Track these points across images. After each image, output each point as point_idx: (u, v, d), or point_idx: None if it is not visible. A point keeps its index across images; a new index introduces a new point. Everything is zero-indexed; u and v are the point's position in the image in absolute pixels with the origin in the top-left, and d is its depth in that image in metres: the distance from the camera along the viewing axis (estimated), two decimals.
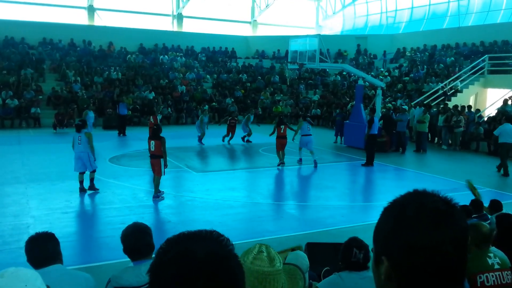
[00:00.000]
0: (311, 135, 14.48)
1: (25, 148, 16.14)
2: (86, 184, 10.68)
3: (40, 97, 24.01)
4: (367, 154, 14.75)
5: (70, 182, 11.44)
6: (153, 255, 1.15)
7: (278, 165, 14.20)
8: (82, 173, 10.63)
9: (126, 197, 10.43)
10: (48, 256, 3.10)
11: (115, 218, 8.93)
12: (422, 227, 1.05)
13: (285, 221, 9.12)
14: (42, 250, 3.12)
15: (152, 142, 10.03)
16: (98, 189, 10.74)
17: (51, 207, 9.15)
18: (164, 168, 10.09)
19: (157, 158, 10.05)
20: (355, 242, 3.50)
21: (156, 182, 10.16)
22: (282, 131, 14.27)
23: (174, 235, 1.09)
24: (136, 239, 3.32)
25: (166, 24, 36.81)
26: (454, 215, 1.07)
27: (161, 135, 10.07)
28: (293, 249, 4.67)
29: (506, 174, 13.70)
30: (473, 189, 7.24)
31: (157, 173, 10.10)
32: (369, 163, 14.66)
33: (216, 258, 1.02)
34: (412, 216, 1.07)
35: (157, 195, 10.17)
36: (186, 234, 1.08)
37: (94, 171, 10.71)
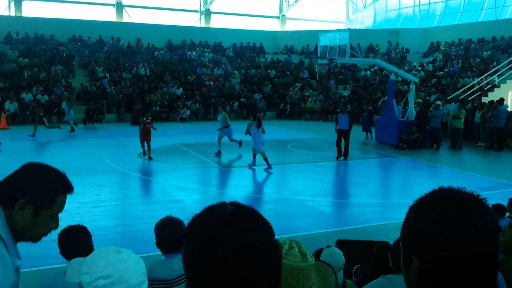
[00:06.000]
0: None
1: (56, 143, 16.36)
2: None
3: (66, 93, 24.16)
4: (337, 147, 14.71)
5: (100, 176, 11.50)
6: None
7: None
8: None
9: (154, 192, 10.41)
10: (80, 249, 3.04)
11: (144, 212, 8.92)
12: (450, 223, 1.03)
13: (314, 218, 8.92)
14: (75, 242, 3.12)
15: None
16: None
17: (81, 201, 9.16)
18: None
19: None
20: None
21: None
22: None
23: (218, 212, 1.03)
24: (170, 232, 3.29)
25: (194, 20, 36.91)
26: (482, 209, 1.06)
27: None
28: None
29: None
30: None
31: None
32: (338, 156, 14.49)
33: (272, 246, 1.03)
34: (439, 212, 1.06)
35: None
36: (235, 217, 1.02)
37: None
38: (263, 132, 12.83)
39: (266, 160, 12.69)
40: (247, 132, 13.00)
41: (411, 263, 1.09)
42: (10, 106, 21.77)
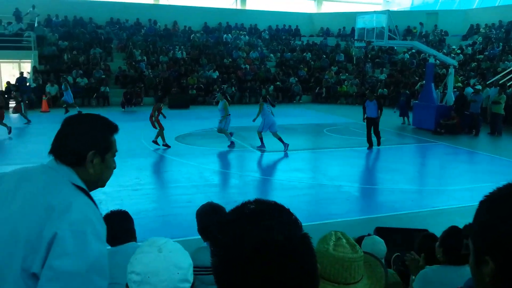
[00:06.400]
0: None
1: None
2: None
3: (103, 76, 24.62)
4: (367, 138, 13.86)
5: (139, 159, 11.78)
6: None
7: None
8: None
9: (192, 175, 10.58)
10: (123, 234, 3.12)
11: (181, 196, 9.10)
12: None
13: (351, 204, 8.92)
14: (118, 227, 3.13)
15: None
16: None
17: (122, 184, 9.41)
18: None
19: None
20: (465, 232, 2.93)
21: None
22: None
23: (240, 212, 1.04)
24: (212, 219, 3.29)
25: (230, 2, 36.81)
26: None
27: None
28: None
29: None
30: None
31: None
32: (370, 146, 13.82)
33: (298, 242, 1.00)
34: None
35: None
36: (256, 215, 1.02)
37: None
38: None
39: (261, 139, 13.24)
40: (258, 114, 13.29)
41: (484, 264, 1.01)
42: (51, 89, 22.33)
